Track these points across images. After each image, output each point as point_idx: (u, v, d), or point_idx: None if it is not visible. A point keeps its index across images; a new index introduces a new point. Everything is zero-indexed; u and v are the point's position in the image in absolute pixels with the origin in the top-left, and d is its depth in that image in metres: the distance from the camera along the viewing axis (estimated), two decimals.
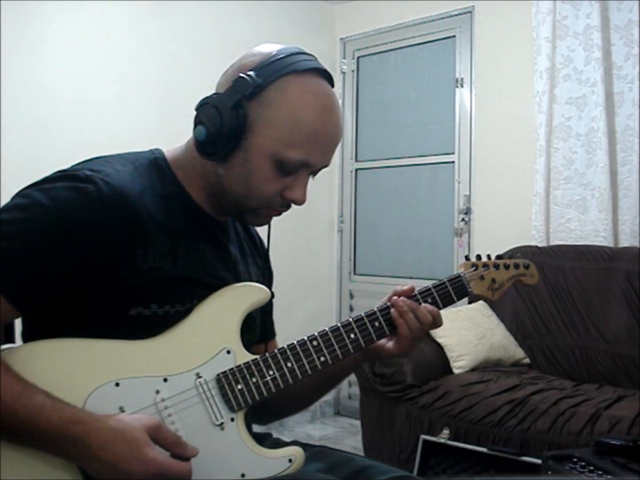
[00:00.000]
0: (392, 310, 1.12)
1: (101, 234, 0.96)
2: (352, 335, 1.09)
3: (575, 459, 1.78)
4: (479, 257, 1.22)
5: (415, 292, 1.15)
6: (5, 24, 2.81)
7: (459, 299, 1.18)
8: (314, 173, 1.09)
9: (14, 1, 2.83)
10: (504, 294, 1.22)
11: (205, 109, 1.03)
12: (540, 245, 3.23)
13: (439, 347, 2.84)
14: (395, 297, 1.14)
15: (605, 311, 2.86)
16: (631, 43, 3.07)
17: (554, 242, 3.25)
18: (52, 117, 2.98)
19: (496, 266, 1.21)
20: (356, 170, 4.23)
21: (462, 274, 1.19)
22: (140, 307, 0.99)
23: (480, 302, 3.16)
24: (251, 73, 1.01)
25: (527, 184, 3.35)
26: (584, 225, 3.20)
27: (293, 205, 1.09)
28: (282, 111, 1.01)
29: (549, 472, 1.79)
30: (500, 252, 3.48)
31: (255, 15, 3.76)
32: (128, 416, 0.93)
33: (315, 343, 1.07)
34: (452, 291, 1.16)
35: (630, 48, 3.08)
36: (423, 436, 2.46)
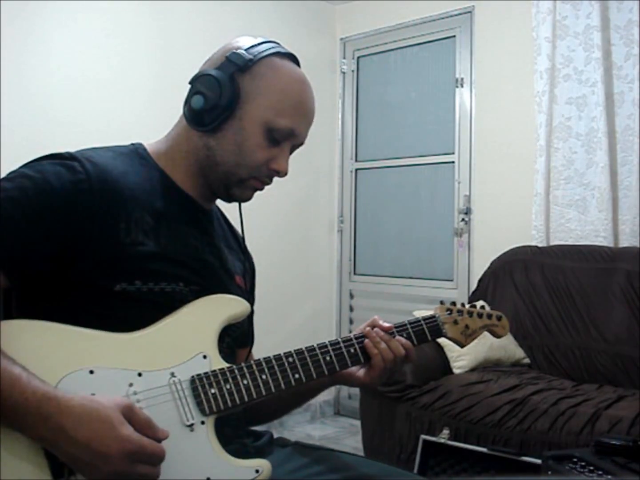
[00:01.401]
0: (366, 340, 1.15)
1: (85, 203, 1.00)
2: (328, 358, 1.11)
3: (575, 459, 1.77)
4: (453, 303, 1.27)
5: (392, 327, 1.18)
6: (5, 14, 2.81)
7: (432, 339, 1.22)
8: (293, 150, 1.16)
9: None
10: (473, 340, 1.26)
11: (204, 80, 1.10)
12: (540, 245, 3.23)
13: (439, 347, 2.84)
14: (369, 329, 1.17)
15: (605, 311, 2.86)
16: (631, 43, 3.07)
17: (554, 242, 3.25)
18: (51, 110, 2.99)
19: (470, 313, 1.26)
20: (356, 170, 4.22)
21: (437, 316, 1.23)
22: (125, 282, 1.01)
23: (481, 301, 3.16)
24: (243, 51, 1.10)
25: (527, 184, 3.36)
26: (584, 225, 3.20)
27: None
28: (273, 83, 1.10)
29: (549, 472, 1.79)
30: (501, 251, 3.49)
31: (254, 15, 3.76)
32: (100, 396, 0.93)
33: (290, 360, 1.08)
34: (426, 330, 1.21)
35: (630, 48, 3.08)
36: (423, 436, 2.46)
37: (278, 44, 1.15)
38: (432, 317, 1.22)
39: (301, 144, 1.17)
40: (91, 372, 0.96)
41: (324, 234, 4.25)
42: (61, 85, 3.03)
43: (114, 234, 1.01)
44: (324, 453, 1.23)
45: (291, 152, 1.16)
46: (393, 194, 4.05)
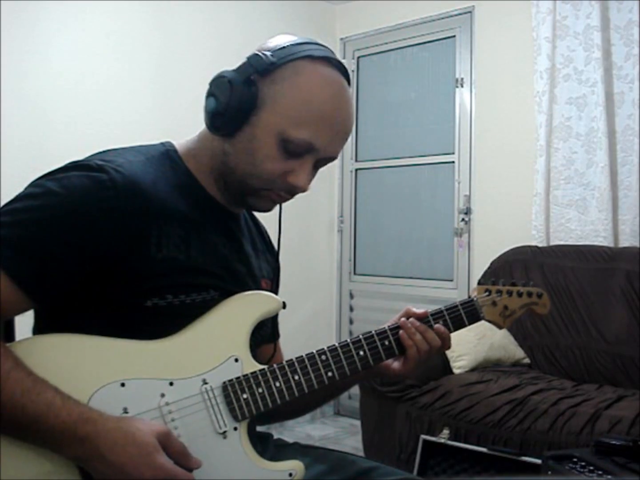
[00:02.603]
0: (401, 332, 1.12)
1: (114, 221, 0.96)
2: (361, 353, 1.09)
3: (575, 459, 1.77)
4: (494, 282, 1.21)
5: (427, 313, 1.14)
6: (5, 16, 2.81)
7: (470, 324, 1.16)
8: (319, 164, 1.08)
9: None
10: (513, 321, 1.20)
11: (218, 82, 1.04)
12: (540, 245, 3.23)
13: None
14: (404, 319, 1.13)
15: (605, 311, 2.86)
16: (631, 43, 3.07)
17: (554, 242, 3.25)
18: (52, 110, 2.99)
19: (509, 293, 1.20)
20: (356, 170, 4.23)
21: (474, 299, 1.18)
22: (156, 298, 0.99)
23: None
24: (267, 52, 1.03)
25: (527, 184, 3.35)
26: (584, 225, 3.20)
27: (296, 196, 1.09)
28: (293, 89, 1.02)
29: (549, 472, 1.79)
30: (501, 251, 3.47)
31: (255, 15, 3.76)
32: (138, 420, 0.92)
33: (323, 358, 1.06)
34: (464, 315, 1.16)
35: (630, 48, 3.07)
36: (423, 436, 2.46)
37: (321, 46, 1.06)
38: (470, 300, 1.17)
39: (331, 158, 1.08)
40: (122, 384, 0.95)
41: (324, 234, 4.25)
42: (61, 86, 3.03)
43: (145, 250, 0.98)
44: (323, 453, 1.23)
45: (321, 166, 1.09)
46: (393, 194, 4.05)
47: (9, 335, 1.04)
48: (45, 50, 2.98)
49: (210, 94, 1.05)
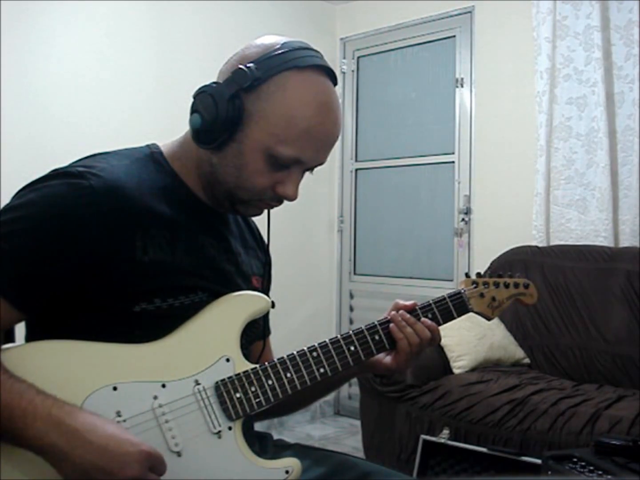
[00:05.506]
0: (391, 325, 1.13)
1: (96, 227, 0.96)
2: (352, 348, 1.09)
3: (575, 459, 1.77)
4: (479, 274, 1.22)
5: (416, 307, 1.15)
6: (5, 16, 2.81)
7: (459, 316, 1.18)
8: (310, 169, 1.08)
9: None
10: (502, 312, 1.22)
11: (202, 98, 1.03)
12: (540, 245, 3.23)
13: (439, 347, 2.84)
14: (394, 312, 1.14)
15: (605, 311, 2.86)
16: (631, 43, 3.07)
17: (554, 242, 3.25)
18: (52, 109, 2.99)
19: (496, 284, 1.22)
20: (356, 170, 4.23)
21: (462, 291, 1.19)
22: (144, 302, 0.99)
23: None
24: (251, 65, 1.00)
25: (528, 184, 3.36)
26: (584, 225, 3.20)
27: (287, 201, 1.09)
28: (279, 106, 1.00)
29: (549, 472, 1.79)
30: (501, 251, 3.47)
31: (254, 15, 3.76)
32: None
33: (315, 354, 1.06)
34: (452, 307, 1.17)
35: (630, 48, 3.08)
36: (423, 436, 2.46)
37: (307, 50, 1.05)
38: (458, 293, 1.18)
39: (319, 164, 1.08)
40: (114, 388, 0.95)
41: (324, 234, 4.25)
42: (61, 86, 3.03)
43: (130, 253, 0.98)
44: (324, 455, 1.23)
45: (311, 171, 1.09)
46: (393, 194, 4.05)
47: (9, 339, 1.04)
48: (45, 49, 2.98)
49: (194, 110, 1.03)
